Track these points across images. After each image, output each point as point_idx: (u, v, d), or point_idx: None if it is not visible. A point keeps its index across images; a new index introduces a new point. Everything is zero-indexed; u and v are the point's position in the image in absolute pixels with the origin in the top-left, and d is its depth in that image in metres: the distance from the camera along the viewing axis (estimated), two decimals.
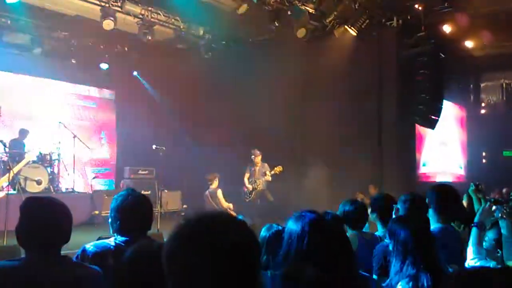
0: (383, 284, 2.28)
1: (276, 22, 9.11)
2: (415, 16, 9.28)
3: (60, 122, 9.68)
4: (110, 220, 2.45)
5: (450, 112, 12.12)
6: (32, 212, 2.03)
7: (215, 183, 8.16)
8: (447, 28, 9.55)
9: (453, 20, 9.40)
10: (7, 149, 8.45)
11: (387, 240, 2.45)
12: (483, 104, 13.56)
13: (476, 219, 2.48)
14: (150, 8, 9.40)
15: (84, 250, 2.37)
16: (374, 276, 2.59)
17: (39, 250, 1.98)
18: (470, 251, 2.40)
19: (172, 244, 1.15)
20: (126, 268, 1.75)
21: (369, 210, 3.31)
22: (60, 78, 11.37)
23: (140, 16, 9.39)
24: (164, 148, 8.16)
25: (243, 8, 8.63)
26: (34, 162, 8.92)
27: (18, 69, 10.63)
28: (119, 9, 8.90)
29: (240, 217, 1.69)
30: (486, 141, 12.92)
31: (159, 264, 1.70)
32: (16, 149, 8.80)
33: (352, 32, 9.36)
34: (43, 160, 9.23)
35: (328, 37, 9.71)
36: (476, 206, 3.25)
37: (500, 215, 2.42)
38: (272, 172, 8.68)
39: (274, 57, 9.94)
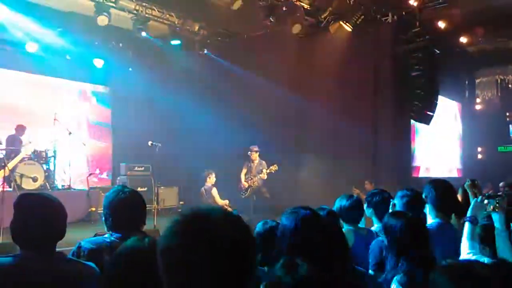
0: (380, 280, 2.28)
1: (271, 18, 9.10)
2: (410, 12, 9.29)
3: (55, 119, 9.62)
4: (103, 217, 2.45)
5: (446, 107, 12.16)
6: (26, 208, 2.02)
7: (211, 180, 8.16)
8: (442, 24, 9.57)
9: (448, 16, 9.42)
10: (2, 146, 8.39)
11: (383, 236, 2.46)
12: (478, 100, 13.60)
13: (468, 214, 2.49)
14: (144, 4, 9.36)
15: (79, 247, 2.37)
16: (370, 272, 2.60)
17: (34, 247, 1.97)
18: (464, 246, 2.40)
19: (167, 240, 1.14)
20: (116, 264, 1.76)
21: (365, 206, 3.31)
22: (54, 74, 11.31)
23: (135, 12, 9.35)
24: (160, 144, 8.14)
25: (238, 3, 8.61)
26: (30, 159, 8.89)
27: (13, 65, 10.56)
28: (113, 4, 8.86)
29: (235, 212, 1.69)
30: (481, 136, 12.98)
31: (149, 260, 1.70)
32: (12, 146, 8.75)
33: (347, 28, 9.37)
34: (39, 157, 9.19)
35: (323, 33, 9.71)
36: (471, 201, 3.26)
37: (492, 208, 2.42)
38: (268, 171, 8.69)
39: (269, 53, 9.93)
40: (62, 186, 9.87)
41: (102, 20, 8.60)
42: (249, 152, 8.79)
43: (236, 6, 8.63)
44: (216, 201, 8.06)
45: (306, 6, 9.25)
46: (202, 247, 1.08)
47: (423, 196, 3.02)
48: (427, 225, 2.79)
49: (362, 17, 9.32)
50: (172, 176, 10.57)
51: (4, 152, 7.73)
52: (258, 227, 2.53)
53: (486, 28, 10.20)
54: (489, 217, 2.50)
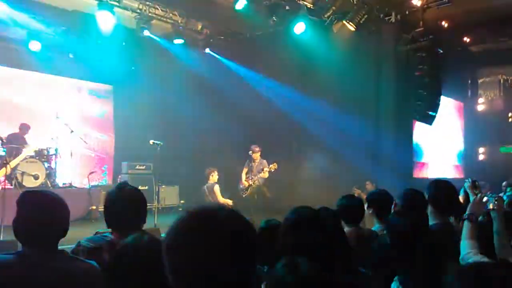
0: (381, 280, 2.28)
1: (274, 17, 9.09)
2: (413, 11, 9.28)
3: (57, 117, 9.65)
4: (104, 214, 2.45)
5: (448, 107, 12.14)
6: (29, 206, 2.02)
7: (213, 178, 8.14)
8: (445, 24, 9.55)
9: (451, 15, 9.40)
10: (3, 144, 8.41)
11: (384, 235, 2.45)
12: (481, 100, 13.57)
13: (467, 211, 2.47)
14: (148, 3, 9.37)
15: (79, 245, 2.37)
16: (371, 272, 2.60)
17: (36, 244, 1.97)
18: (463, 246, 2.39)
19: (172, 236, 1.16)
20: (116, 262, 1.76)
21: (365, 206, 3.31)
22: (57, 72, 11.32)
23: (138, 11, 9.36)
24: (161, 143, 8.15)
25: (242, 2, 8.61)
26: (31, 157, 8.91)
27: (15, 63, 10.59)
28: (117, 3, 8.87)
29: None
30: (483, 137, 12.95)
31: (149, 257, 1.70)
32: (15, 144, 8.77)
33: (351, 27, 9.34)
34: (40, 155, 9.21)
35: (326, 32, 9.70)
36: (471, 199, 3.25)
37: (491, 206, 2.42)
38: (268, 169, 8.68)
39: (272, 52, 9.93)
40: (63, 184, 9.89)
41: (106, 19, 8.61)
42: (250, 151, 8.78)
43: (239, 5, 8.63)
44: (218, 199, 8.04)
45: (309, 5, 9.24)
46: (207, 243, 1.10)
47: (425, 196, 3.01)
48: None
49: (365, 16, 9.30)
50: (173, 175, 10.58)
51: (5, 150, 7.73)
52: (260, 226, 2.53)
53: (489, 28, 10.17)
54: (488, 216, 2.50)
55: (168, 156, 8.90)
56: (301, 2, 9.06)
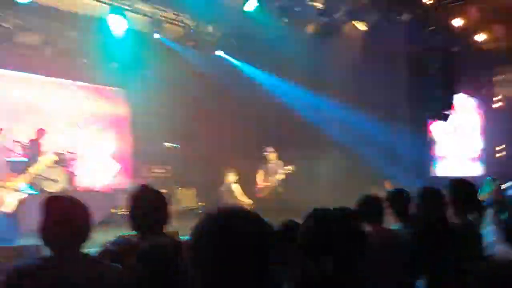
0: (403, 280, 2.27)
1: (284, 19, 9.10)
2: (426, 10, 9.20)
3: (76, 123, 9.79)
4: (128, 217, 2.48)
5: (464, 106, 12.03)
6: (53, 211, 2.06)
7: (231, 178, 8.11)
8: (458, 22, 9.45)
9: (464, 13, 9.30)
10: (25, 150, 8.51)
11: (406, 234, 2.44)
12: (497, 98, 13.40)
13: (489, 200, 2.46)
14: (159, 7, 9.45)
15: (104, 248, 2.40)
16: (394, 272, 2.58)
17: (61, 248, 2.00)
18: (489, 233, 2.36)
19: (195, 237, 1.21)
20: (139, 264, 1.79)
21: (384, 205, 3.29)
22: (72, 77, 11.46)
23: (150, 15, 9.43)
24: (177, 145, 8.19)
25: (252, 4, 8.63)
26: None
27: (32, 69, 10.74)
28: (128, 7, 8.96)
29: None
30: (500, 135, 12.79)
31: (170, 259, 1.72)
32: (33, 149, 8.88)
33: (362, 27, 9.30)
34: (61, 160, 9.32)
35: (337, 33, 9.67)
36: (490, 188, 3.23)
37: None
38: (284, 170, 8.67)
39: (283, 53, 9.92)
40: (83, 188, 10.00)
41: (118, 23, 8.70)
42: (265, 153, 8.79)
43: (250, 7, 8.66)
44: (239, 198, 7.98)
45: (319, 6, 9.22)
46: (227, 243, 1.15)
47: (444, 195, 2.99)
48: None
49: (377, 16, 9.26)
50: (190, 177, 10.62)
51: (26, 155, 7.84)
52: (277, 227, 2.54)
53: (503, 25, 10.05)
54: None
55: (185, 159, 8.95)
56: (311, 3, 9.05)
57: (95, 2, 8.68)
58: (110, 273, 2.05)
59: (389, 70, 9.55)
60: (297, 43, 9.69)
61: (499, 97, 13.34)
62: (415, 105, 9.44)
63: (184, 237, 1.36)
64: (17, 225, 5.96)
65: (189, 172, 10.31)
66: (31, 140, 9.20)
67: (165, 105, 11.50)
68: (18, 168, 7.60)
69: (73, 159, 9.67)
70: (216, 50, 11.11)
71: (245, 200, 8.16)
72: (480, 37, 10.62)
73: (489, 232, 2.35)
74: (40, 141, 9.45)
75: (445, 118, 9.21)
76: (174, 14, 9.79)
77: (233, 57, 11.25)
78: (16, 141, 7.79)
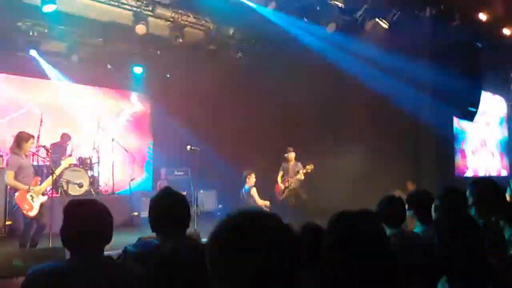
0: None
1: (305, 19, 9.06)
2: (449, 4, 9.00)
3: (99, 127, 9.98)
4: (149, 219, 2.50)
5: (490, 103, 11.73)
6: (75, 214, 2.10)
7: (251, 181, 8.13)
8: (483, 16, 9.22)
9: (490, 7, 9.06)
10: (49, 154, 8.73)
11: (428, 237, 2.38)
12: None
13: None
14: (180, 11, 9.54)
15: (125, 251, 2.43)
16: (416, 275, 2.53)
17: (83, 251, 2.04)
18: None
19: (214, 240, 1.19)
20: (160, 266, 1.80)
21: (406, 207, 3.22)
22: (96, 83, 11.70)
23: (171, 19, 9.53)
24: (198, 148, 8.26)
25: (272, 5, 8.63)
26: (75, 166, 9.25)
27: (57, 75, 11.01)
28: (151, 13, 9.07)
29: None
30: None
31: (191, 260, 1.73)
32: (57, 153, 9.10)
33: (384, 25, 9.17)
34: (84, 164, 9.54)
35: (359, 31, 9.55)
36: None
37: None
38: (304, 171, 8.62)
39: (305, 53, 9.87)
40: (106, 191, 10.19)
41: (141, 29, 8.82)
42: (286, 154, 8.77)
43: (269, 8, 8.65)
44: (257, 202, 8.03)
45: (340, 4, 9.13)
46: (247, 245, 1.13)
47: (467, 195, 2.91)
48: None
49: (399, 12, 9.11)
50: (210, 179, 10.69)
51: (49, 160, 8.02)
52: (298, 229, 2.52)
53: None
54: None
55: (205, 161, 9.01)
56: (332, 2, 8.98)
57: (118, 9, 8.82)
58: (131, 275, 2.07)
59: (413, 67, 9.37)
60: (317, 44, 9.61)
61: None
62: (440, 103, 9.24)
63: (205, 239, 1.37)
64: (41, 228, 6.13)
65: (209, 175, 10.38)
66: (55, 144, 9.42)
67: (185, 108, 11.62)
68: (43, 173, 7.81)
69: (96, 163, 9.86)
70: (236, 52, 11.13)
71: (265, 202, 8.15)
72: (506, 31, 10.33)
73: None
74: (64, 145, 9.67)
75: (471, 116, 8.99)
76: (194, 18, 9.87)
77: (253, 58, 11.25)
78: (41, 146, 8.01)
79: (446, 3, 9.03)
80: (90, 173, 9.52)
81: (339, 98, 10.07)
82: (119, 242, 2.67)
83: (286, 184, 8.72)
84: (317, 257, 2.17)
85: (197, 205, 9.12)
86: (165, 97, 12.05)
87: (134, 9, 8.84)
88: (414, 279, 2.35)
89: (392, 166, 8.88)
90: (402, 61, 9.19)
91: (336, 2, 9.03)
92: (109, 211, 2.16)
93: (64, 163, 6.94)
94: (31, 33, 9.55)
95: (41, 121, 8.85)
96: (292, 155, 8.81)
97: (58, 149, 9.35)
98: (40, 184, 6.27)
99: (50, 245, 5.89)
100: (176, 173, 10.79)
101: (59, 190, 8.52)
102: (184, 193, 9.38)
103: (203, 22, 10.09)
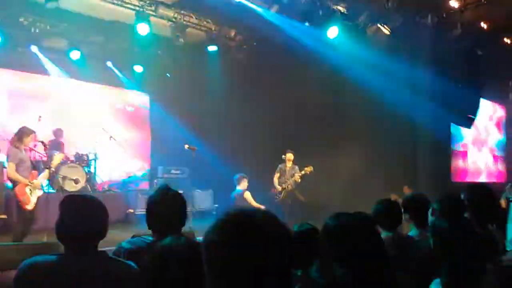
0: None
1: (307, 23, 9.08)
2: (451, 13, 9.04)
3: (99, 124, 9.99)
4: (146, 216, 2.51)
5: (489, 111, 11.76)
6: (71, 209, 2.10)
7: (243, 185, 8.13)
8: (484, 25, 9.25)
9: (490, 16, 9.10)
10: (46, 149, 8.73)
11: (423, 241, 2.39)
12: None
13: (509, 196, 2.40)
14: (182, 12, 9.56)
15: (120, 247, 2.43)
16: (410, 279, 2.53)
17: (78, 246, 2.04)
18: (510, 229, 2.29)
19: (212, 236, 1.19)
20: (154, 263, 1.80)
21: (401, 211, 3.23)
22: (96, 81, 11.70)
23: (173, 20, 9.55)
24: (196, 147, 8.26)
25: (275, 8, 8.65)
26: (72, 162, 9.25)
27: (57, 72, 11.01)
28: (153, 13, 9.09)
29: None
30: None
31: (185, 258, 1.73)
32: (53, 150, 9.09)
33: (386, 31, 9.20)
34: (81, 160, 9.53)
35: (360, 36, 9.57)
36: None
37: None
38: (303, 172, 8.62)
39: (306, 56, 9.89)
40: (103, 188, 10.18)
41: (143, 28, 8.83)
42: (284, 156, 8.77)
43: (272, 11, 8.68)
44: (252, 204, 8.04)
45: (342, 9, 9.16)
46: (245, 242, 1.13)
47: (463, 200, 2.91)
48: None
49: (401, 19, 9.14)
50: (207, 179, 10.70)
51: (46, 155, 8.03)
52: (294, 229, 2.53)
53: None
54: None
55: (202, 161, 9.01)
56: (334, 7, 9.00)
57: (120, 8, 8.84)
58: (124, 271, 2.07)
59: (413, 73, 9.40)
60: (318, 47, 9.63)
61: None
62: (439, 109, 9.26)
63: (200, 238, 1.37)
64: (33, 221, 6.15)
65: (206, 174, 10.38)
66: (51, 141, 9.41)
67: (184, 108, 11.63)
68: (40, 168, 7.81)
69: (93, 160, 9.85)
70: (237, 54, 11.16)
71: (259, 205, 8.16)
72: (507, 39, 10.37)
73: (511, 228, 2.27)
74: (61, 140, 9.66)
75: (469, 123, 9.02)
76: (197, 18, 9.89)
77: (254, 60, 11.28)
78: (39, 141, 8.01)
79: (448, 11, 9.06)
80: (87, 169, 9.51)
81: (338, 101, 10.08)
82: (114, 239, 2.68)
83: (283, 186, 8.73)
84: (312, 258, 2.18)
85: (193, 205, 9.10)
86: (165, 96, 12.07)
87: (137, 8, 8.86)
88: (408, 282, 2.36)
89: (389, 170, 8.89)
90: (402, 66, 9.23)
91: (338, 7, 9.06)
92: (104, 206, 2.16)
93: (55, 159, 6.92)
94: (32, 30, 9.56)
95: (40, 117, 8.84)
96: (290, 157, 8.82)
97: (54, 145, 9.34)
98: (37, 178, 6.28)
99: (46, 240, 5.89)
100: (172, 171, 10.78)
101: (55, 186, 8.51)
102: (181, 192, 9.46)
103: (205, 23, 10.12)
